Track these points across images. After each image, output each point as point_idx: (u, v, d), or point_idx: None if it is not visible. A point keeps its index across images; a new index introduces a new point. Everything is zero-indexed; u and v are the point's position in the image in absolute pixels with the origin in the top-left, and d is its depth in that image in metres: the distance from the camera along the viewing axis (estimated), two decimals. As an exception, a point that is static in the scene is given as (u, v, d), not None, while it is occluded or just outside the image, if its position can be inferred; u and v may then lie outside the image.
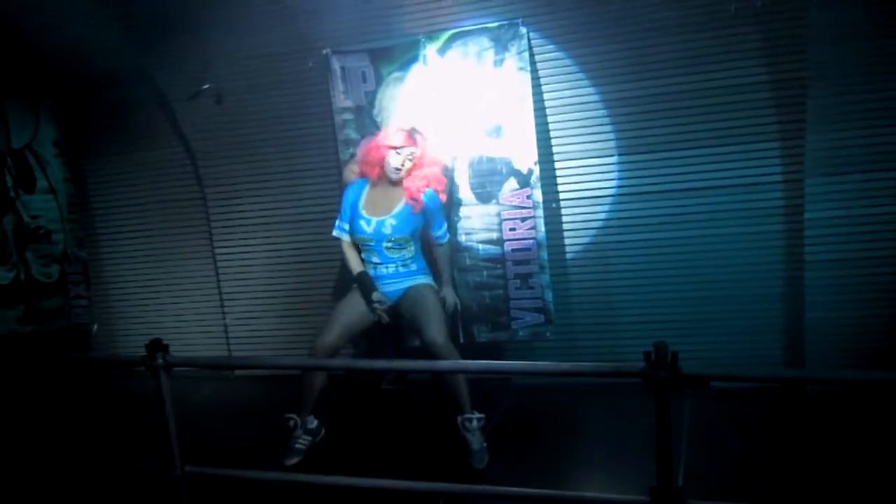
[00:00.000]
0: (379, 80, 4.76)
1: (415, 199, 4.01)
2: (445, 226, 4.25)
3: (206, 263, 5.59)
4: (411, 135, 4.05)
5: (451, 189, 4.51)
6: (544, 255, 4.56)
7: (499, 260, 4.65)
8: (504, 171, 4.54)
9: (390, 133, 4.08)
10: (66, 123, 5.63)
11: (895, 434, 3.75)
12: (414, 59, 4.66)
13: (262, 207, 5.36)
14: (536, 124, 4.50)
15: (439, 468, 3.77)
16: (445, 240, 4.25)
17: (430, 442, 4.17)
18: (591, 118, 4.58)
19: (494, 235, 4.63)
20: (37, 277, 5.65)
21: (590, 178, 4.67)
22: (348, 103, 4.85)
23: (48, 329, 5.66)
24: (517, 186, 4.53)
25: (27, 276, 5.61)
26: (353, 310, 4.04)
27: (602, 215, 4.68)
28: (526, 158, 4.50)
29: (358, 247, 4.15)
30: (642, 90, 4.46)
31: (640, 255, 4.64)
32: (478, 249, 4.66)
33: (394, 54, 4.71)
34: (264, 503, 3.59)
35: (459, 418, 3.89)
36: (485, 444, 3.87)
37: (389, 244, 4.03)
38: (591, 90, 4.55)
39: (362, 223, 4.04)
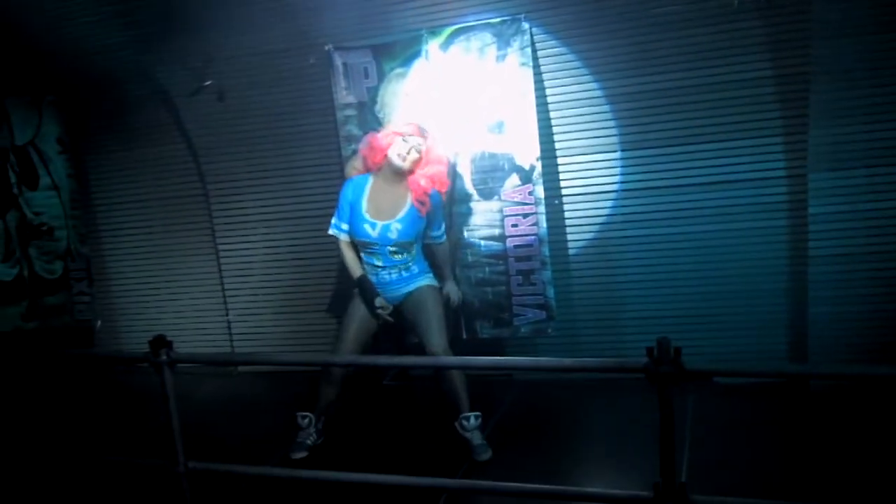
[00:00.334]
0: (381, 76, 4.75)
1: (421, 202, 3.89)
2: (444, 225, 4.16)
3: (209, 260, 5.59)
4: (420, 128, 3.96)
5: (453, 186, 4.50)
6: (546, 251, 4.55)
7: (501, 256, 4.64)
8: (506, 167, 4.53)
9: (399, 123, 4.03)
10: (69, 120, 5.63)
11: (893, 428, 3.75)
12: (416, 55, 4.65)
13: (264, 204, 5.36)
14: (539, 120, 4.49)
15: (441, 464, 3.77)
16: (444, 238, 4.16)
17: (431, 437, 4.17)
18: (594, 114, 4.57)
19: (496, 232, 4.62)
20: (40, 274, 5.66)
21: (592, 174, 4.66)
22: (350, 99, 4.84)
23: (51, 325, 5.67)
24: (519, 182, 4.53)
25: (30, 272, 5.63)
26: (360, 319, 3.98)
27: (604, 211, 4.67)
28: (528, 154, 4.49)
29: (356, 247, 4.04)
30: (645, 86, 4.45)
31: (643, 250, 4.64)
32: (480, 246, 4.65)
33: (396, 50, 4.70)
34: (267, 499, 3.59)
35: (457, 419, 3.89)
36: (484, 441, 3.87)
37: (394, 248, 3.90)
38: (593, 86, 4.54)
39: (366, 227, 3.89)
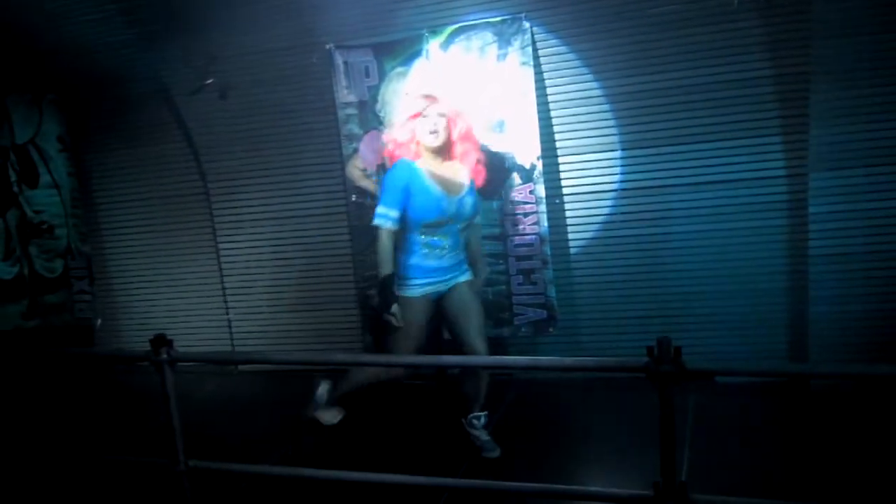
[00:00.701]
0: (382, 75, 4.76)
1: (477, 173, 3.79)
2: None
3: (210, 258, 5.59)
4: (428, 95, 3.78)
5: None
6: (547, 250, 4.55)
7: (501, 255, 4.65)
8: (507, 165, 4.54)
9: (408, 104, 3.82)
10: (69, 118, 5.63)
11: (893, 427, 3.75)
12: (417, 54, 4.66)
13: (264, 202, 5.36)
14: (539, 119, 4.49)
15: (442, 463, 3.77)
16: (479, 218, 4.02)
17: (432, 436, 4.17)
18: (594, 113, 4.57)
19: (497, 231, 4.62)
20: (40, 272, 5.66)
21: (593, 173, 4.66)
22: (351, 98, 4.85)
23: (52, 324, 5.67)
24: (520, 181, 4.53)
25: (31, 271, 5.63)
26: (419, 328, 3.77)
27: (605, 210, 4.67)
28: (529, 153, 4.50)
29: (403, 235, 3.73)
30: (645, 85, 4.45)
31: (644, 250, 4.64)
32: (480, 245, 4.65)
33: (397, 49, 4.70)
34: (268, 498, 3.59)
35: (468, 416, 3.88)
36: (491, 438, 3.88)
37: (462, 224, 3.75)
38: (593, 85, 4.54)
39: (443, 203, 3.65)
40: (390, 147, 3.84)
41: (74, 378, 5.58)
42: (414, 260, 3.73)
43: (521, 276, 4.64)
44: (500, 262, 4.65)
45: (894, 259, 4.16)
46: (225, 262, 5.53)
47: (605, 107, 4.55)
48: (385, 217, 3.67)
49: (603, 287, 4.76)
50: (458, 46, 4.58)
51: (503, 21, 4.49)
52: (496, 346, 4.82)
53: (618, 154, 4.59)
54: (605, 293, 4.76)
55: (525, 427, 4.25)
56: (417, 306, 3.73)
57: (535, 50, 4.53)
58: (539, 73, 4.56)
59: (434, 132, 3.65)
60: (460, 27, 4.57)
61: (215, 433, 4.30)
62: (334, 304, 5.28)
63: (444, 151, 3.72)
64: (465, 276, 3.85)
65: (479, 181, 3.80)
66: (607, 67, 4.50)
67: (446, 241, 3.71)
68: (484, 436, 3.86)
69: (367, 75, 4.79)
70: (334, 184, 5.11)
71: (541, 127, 4.50)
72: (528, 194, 4.53)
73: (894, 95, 4.02)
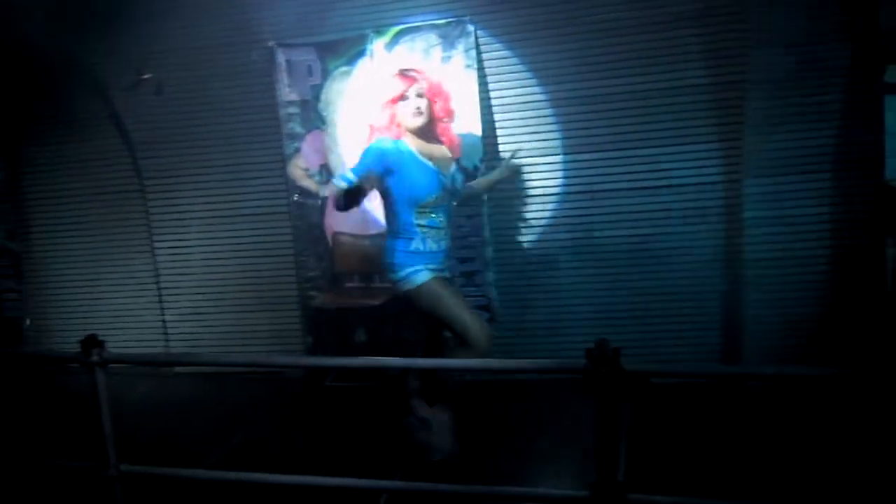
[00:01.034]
0: (325, 75, 4.72)
1: (454, 148, 3.67)
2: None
3: (145, 257, 5.45)
4: (405, 74, 3.54)
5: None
6: (489, 252, 4.58)
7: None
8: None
9: (386, 87, 3.54)
10: (-2, 112, 5.43)
11: (829, 426, 3.87)
12: (361, 54, 4.64)
13: (203, 201, 5.25)
14: (482, 122, 4.52)
15: (382, 465, 3.75)
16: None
17: (372, 438, 4.15)
18: (537, 117, 4.62)
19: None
20: (-35, 270, 5.45)
21: (534, 177, 4.70)
22: (294, 97, 4.80)
23: (-24, 323, 5.47)
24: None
25: (-46, 269, 5.41)
26: (450, 289, 3.56)
27: (546, 213, 4.72)
28: (472, 156, 4.51)
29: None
30: (587, 90, 4.52)
31: (584, 253, 4.70)
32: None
33: (340, 48, 4.67)
34: (202, 502, 3.52)
35: (420, 416, 3.79)
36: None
37: (455, 200, 3.68)
38: (536, 89, 4.59)
39: (441, 177, 3.51)
40: (369, 131, 3.59)
41: (1, 379, 5.37)
42: (414, 245, 3.50)
43: (463, 278, 4.65)
44: (443, 263, 4.65)
45: (826, 263, 4.30)
46: (161, 262, 5.40)
47: (547, 111, 4.61)
48: (344, 178, 3.31)
49: (544, 289, 4.81)
50: (402, 48, 4.57)
51: (448, 24, 4.50)
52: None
53: (559, 158, 4.65)
54: (547, 295, 4.81)
55: (464, 429, 4.25)
56: (441, 286, 3.50)
57: (479, 53, 4.56)
58: (483, 77, 4.58)
59: (418, 113, 3.46)
60: (405, 28, 4.56)
61: (148, 437, 4.20)
62: (275, 305, 5.21)
63: (426, 130, 3.55)
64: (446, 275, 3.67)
65: (457, 153, 3.70)
66: (550, 72, 4.55)
67: (442, 220, 3.54)
68: (428, 437, 3.81)
69: (310, 74, 4.75)
70: (276, 183, 5.04)
71: (484, 130, 4.53)
72: (470, 196, 4.54)
73: (825, 104, 4.17)
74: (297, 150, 4.88)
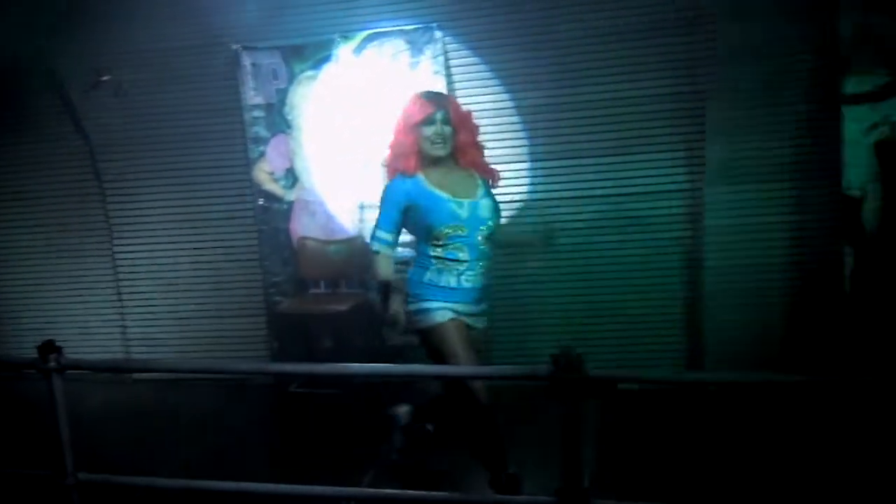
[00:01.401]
0: (291, 78, 4.70)
1: (490, 174, 3.28)
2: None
3: (105, 261, 5.36)
4: (433, 98, 3.22)
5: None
6: (455, 258, 4.57)
7: (408, 264, 4.63)
8: (417, 173, 4.53)
9: (410, 109, 3.19)
10: (-46, 111, 5.30)
11: (789, 432, 3.93)
12: (327, 59, 4.62)
13: (165, 204, 5.18)
14: (449, 128, 4.51)
15: (345, 472, 3.72)
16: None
17: (336, 445, 4.12)
18: (503, 125, 4.64)
19: (407, 238, 4.61)
20: (-84, 274, 5.30)
21: (500, 184, 4.70)
22: (258, 100, 4.76)
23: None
24: (429, 189, 4.53)
25: None
26: (468, 357, 3.16)
27: (511, 220, 4.73)
28: (438, 161, 4.51)
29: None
30: (553, 98, 4.55)
31: (549, 260, 4.72)
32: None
33: (306, 52, 4.65)
34: (163, 511, 3.47)
35: (415, 424, 3.60)
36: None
37: (484, 233, 3.16)
38: (503, 97, 4.61)
39: (454, 207, 3.10)
40: (387, 161, 3.28)
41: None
42: (427, 276, 3.19)
43: (429, 284, 4.63)
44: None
45: (785, 270, 4.38)
46: (121, 266, 5.31)
47: (514, 119, 4.63)
48: (380, 241, 3.21)
49: (510, 295, 4.81)
50: (369, 53, 4.57)
51: (416, 30, 4.50)
52: (403, 354, 4.81)
53: (525, 165, 4.67)
54: (512, 301, 4.81)
55: (430, 436, 4.24)
56: (453, 331, 3.15)
57: (446, 60, 4.56)
58: (451, 84, 4.59)
59: (441, 141, 3.13)
60: (372, 33, 4.56)
61: (107, 444, 4.12)
62: (240, 310, 5.15)
63: (445, 161, 3.19)
64: (483, 323, 3.30)
65: (494, 179, 3.31)
66: (516, 80, 4.58)
67: (463, 255, 3.13)
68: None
69: (276, 78, 4.72)
70: (240, 187, 5.00)
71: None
72: (436, 202, 4.54)
73: (785, 115, 4.25)
74: (262, 154, 4.84)
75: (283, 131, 4.77)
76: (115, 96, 4.96)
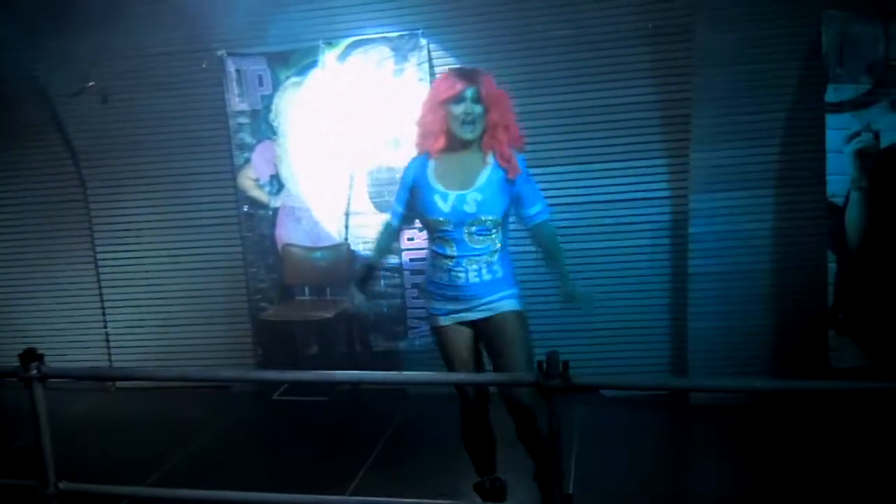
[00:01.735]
0: (276, 85, 4.69)
1: (506, 160, 2.92)
2: (543, 197, 3.08)
3: (87, 269, 5.31)
4: (464, 74, 2.95)
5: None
6: (441, 265, 4.57)
7: (396, 269, 4.64)
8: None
9: (439, 85, 2.99)
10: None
11: (768, 438, 3.95)
12: (312, 65, 4.62)
13: (149, 211, 5.14)
14: (435, 134, 4.51)
15: (328, 480, 3.71)
16: (548, 215, 3.07)
17: (319, 453, 4.10)
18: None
19: (392, 245, 4.61)
20: None
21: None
22: (244, 107, 4.75)
23: None
24: (415, 196, 4.54)
25: None
26: (462, 362, 3.06)
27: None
28: (424, 168, 4.51)
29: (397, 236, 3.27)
30: (537, 105, 4.55)
31: (534, 266, 4.71)
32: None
33: (291, 59, 4.65)
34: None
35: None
36: None
37: (473, 228, 2.89)
38: (488, 103, 4.60)
39: (436, 198, 2.90)
40: (416, 140, 3.07)
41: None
42: (429, 272, 3.09)
43: (415, 290, 4.64)
44: (395, 275, 4.65)
45: (769, 277, 4.40)
46: (104, 273, 5.27)
47: (499, 125, 4.62)
48: (392, 210, 3.15)
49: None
50: (354, 59, 4.57)
51: (400, 36, 4.51)
52: (390, 359, 4.80)
53: (511, 172, 4.66)
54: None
55: (417, 442, 4.23)
56: (449, 336, 3.04)
57: (431, 67, 4.57)
58: (435, 90, 4.58)
59: (470, 121, 2.89)
60: (357, 40, 4.56)
61: (88, 453, 4.09)
62: (225, 317, 5.12)
63: (473, 143, 2.96)
64: (506, 305, 3.00)
65: (512, 170, 2.94)
66: (500, 87, 4.56)
67: (451, 250, 2.93)
68: None
69: (261, 84, 4.71)
70: (225, 194, 4.97)
71: (436, 142, 4.52)
72: (422, 209, 4.54)
73: (769, 122, 4.28)
74: (248, 161, 4.83)
75: (268, 138, 4.76)
76: (101, 102, 4.93)
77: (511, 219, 3.06)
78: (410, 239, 4.56)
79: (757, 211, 4.36)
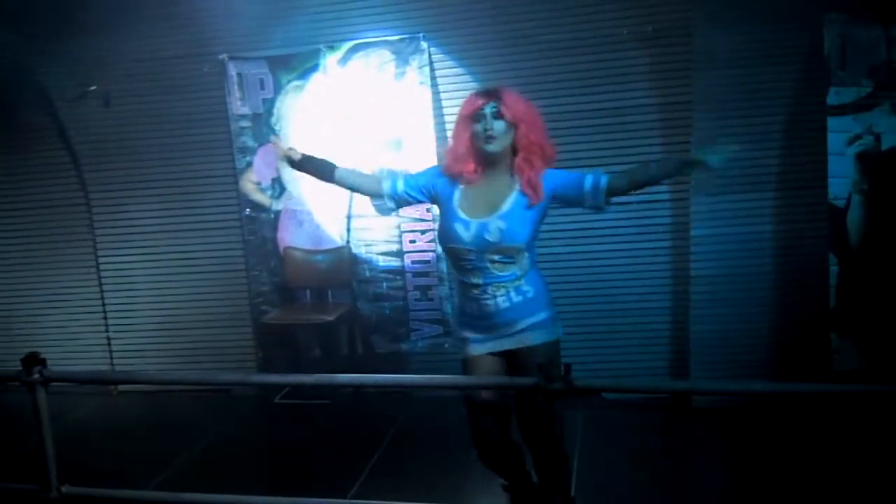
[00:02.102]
0: (278, 88, 4.70)
1: (531, 187, 2.81)
2: (592, 175, 2.87)
3: (89, 273, 5.31)
4: (485, 91, 2.89)
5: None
6: (444, 267, 4.58)
7: (398, 272, 4.64)
8: (404, 183, 4.54)
9: (462, 105, 2.94)
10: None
11: (770, 442, 3.95)
12: (314, 69, 4.62)
13: (151, 215, 5.15)
14: (437, 138, 4.53)
15: (331, 483, 3.71)
16: (607, 175, 2.87)
17: (321, 456, 4.10)
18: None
19: (394, 247, 4.62)
20: None
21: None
22: (245, 110, 4.76)
23: None
24: (417, 199, 4.54)
25: None
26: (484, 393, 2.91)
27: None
28: (425, 171, 4.52)
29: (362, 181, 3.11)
30: (539, 108, 4.55)
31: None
32: (377, 261, 4.65)
33: (293, 63, 4.66)
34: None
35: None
36: None
37: (496, 257, 2.80)
38: (489, 106, 4.61)
39: (458, 227, 2.80)
40: (447, 162, 2.94)
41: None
42: (459, 302, 2.99)
43: (417, 292, 4.65)
44: (398, 278, 4.66)
45: (771, 280, 4.40)
46: (106, 277, 5.27)
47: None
48: (392, 178, 3.02)
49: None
50: (355, 63, 4.57)
51: (401, 40, 4.52)
52: (393, 361, 4.81)
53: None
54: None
55: (418, 445, 4.23)
56: (473, 368, 2.94)
57: (432, 70, 4.57)
58: (436, 93, 4.60)
59: (490, 136, 2.79)
60: (358, 44, 4.57)
61: (91, 457, 4.09)
62: (227, 321, 5.12)
63: (500, 165, 2.86)
64: (535, 337, 2.86)
65: (536, 196, 2.82)
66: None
67: (475, 278, 2.82)
68: None
69: (262, 88, 4.72)
70: (227, 197, 4.98)
71: (438, 146, 4.53)
72: (424, 212, 4.55)
73: (770, 125, 4.28)
74: (249, 165, 4.83)
75: (269, 141, 4.77)
76: (103, 106, 4.95)
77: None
78: (412, 241, 4.57)
79: (758, 214, 4.36)
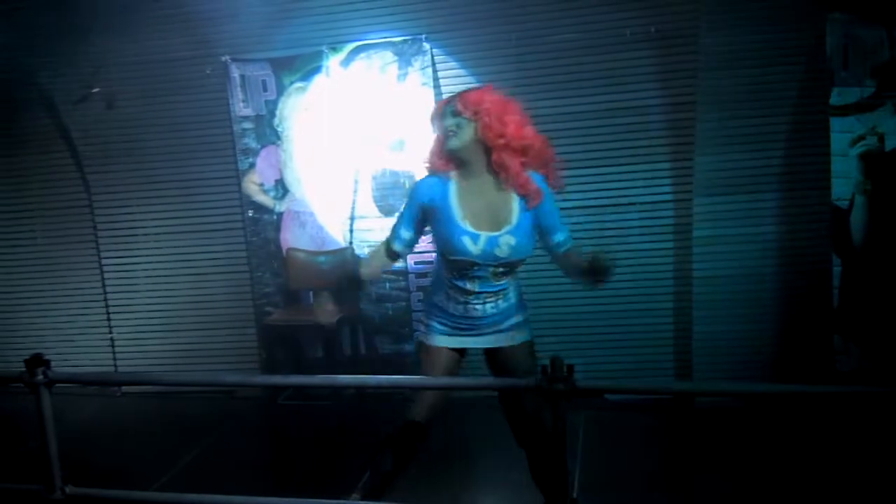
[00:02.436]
0: (280, 90, 4.70)
1: (527, 194, 2.79)
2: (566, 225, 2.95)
3: (93, 274, 5.33)
4: (452, 98, 2.87)
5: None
6: (445, 268, 4.57)
7: (401, 272, 4.64)
8: (406, 184, 4.55)
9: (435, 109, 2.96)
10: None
11: (773, 442, 3.94)
12: (317, 70, 4.63)
13: (154, 217, 5.16)
14: (439, 139, 4.52)
15: (334, 484, 3.71)
16: (572, 242, 2.96)
17: (324, 457, 4.10)
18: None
19: (385, 267, 4.62)
20: None
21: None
22: (248, 112, 4.76)
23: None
24: (419, 200, 4.54)
25: None
26: (442, 369, 2.97)
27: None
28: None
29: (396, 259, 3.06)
30: (541, 109, 4.52)
31: (538, 270, 4.71)
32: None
33: (296, 64, 4.66)
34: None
35: None
36: None
37: (500, 269, 2.81)
38: (492, 107, 4.61)
39: (466, 240, 2.76)
40: (426, 164, 2.94)
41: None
42: (438, 298, 2.96)
43: (420, 293, 4.64)
44: (400, 278, 4.65)
45: (773, 281, 4.39)
46: (108, 278, 5.28)
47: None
48: (393, 234, 2.97)
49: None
50: (358, 64, 4.57)
51: (404, 41, 4.52)
52: (395, 362, 4.81)
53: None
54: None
55: (421, 446, 4.22)
56: (435, 358, 2.95)
57: (434, 71, 4.58)
58: (439, 94, 4.60)
59: (450, 131, 2.77)
60: (361, 45, 4.57)
61: (95, 458, 4.09)
62: (231, 322, 5.12)
63: (476, 164, 2.81)
64: (518, 337, 2.94)
65: (533, 199, 2.81)
66: (505, 91, 4.57)
67: (471, 285, 2.83)
68: None
69: (265, 89, 4.72)
70: (230, 199, 4.99)
71: (440, 147, 4.53)
72: (426, 213, 4.54)
73: (773, 126, 4.28)
74: (252, 166, 4.84)
75: (272, 142, 4.78)
76: (106, 108, 4.96)
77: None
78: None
79: (761, 214, 4.36)
